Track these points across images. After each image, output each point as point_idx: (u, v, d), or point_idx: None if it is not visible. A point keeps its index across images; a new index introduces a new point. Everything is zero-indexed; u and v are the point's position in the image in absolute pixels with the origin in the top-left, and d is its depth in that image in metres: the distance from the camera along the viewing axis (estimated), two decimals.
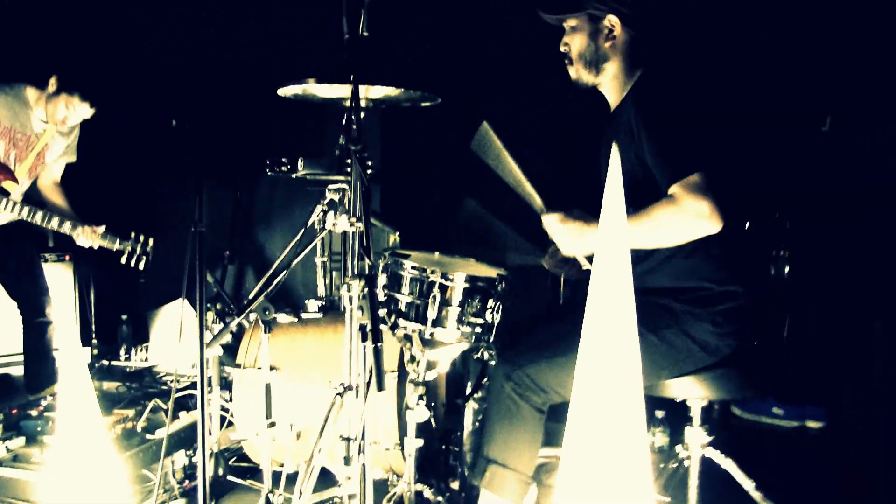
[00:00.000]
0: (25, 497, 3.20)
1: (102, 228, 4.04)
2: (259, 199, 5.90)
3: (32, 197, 4.31)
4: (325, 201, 3.32)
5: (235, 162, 5.72)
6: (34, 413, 3.82)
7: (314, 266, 4.49)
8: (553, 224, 2.71)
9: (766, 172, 4.17)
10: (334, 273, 4.36)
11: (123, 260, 4.05)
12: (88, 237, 4.03)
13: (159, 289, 6.05)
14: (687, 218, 2.51)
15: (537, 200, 2.79)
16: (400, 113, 3.48)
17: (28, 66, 4.31)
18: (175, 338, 5.57)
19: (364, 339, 2.27)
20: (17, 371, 4.81)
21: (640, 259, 2.79)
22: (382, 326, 2.81)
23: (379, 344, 2.20)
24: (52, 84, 4.03)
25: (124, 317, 5.80)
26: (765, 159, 4.41)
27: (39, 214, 4.03)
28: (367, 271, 2.33)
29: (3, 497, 3.23)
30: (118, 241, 4.06)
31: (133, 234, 4.07)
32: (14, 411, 3.81)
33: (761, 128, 4.47)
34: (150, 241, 4.05)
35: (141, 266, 4.05)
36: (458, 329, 2.83)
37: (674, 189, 2.54)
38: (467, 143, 2.81)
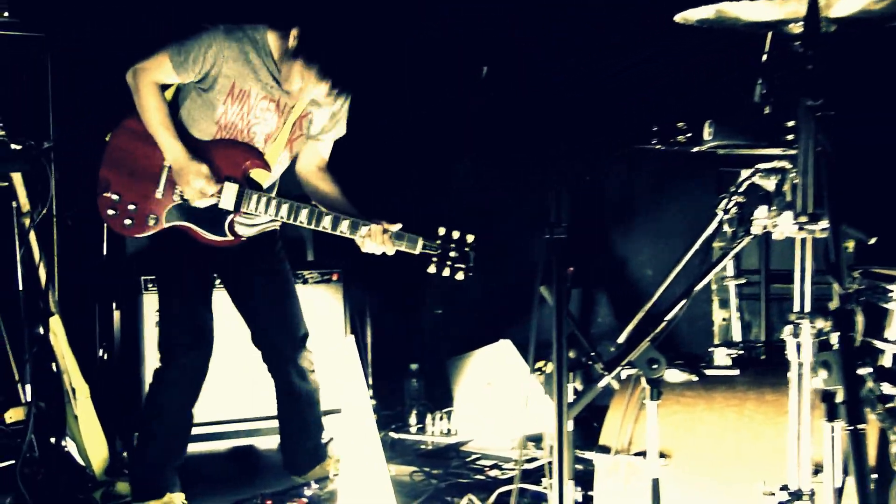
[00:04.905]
0: None
1: (398, 226, 4.17)
2: (613, 184, 5.93)
3: (290, 190, 4.55)
4: (741, 189, 3.30)
5: (581, 126, 5.80)
6: None
7: (707, 291, 4.47)
8: None
9: None
10: (744, 304, 4.30)
11: (432, 269, 4.14)
12: (377, 240, 4.15)
13: (467, 325, 6.25)
14: None
15: None
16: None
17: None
18: (492, 400, 5.69)
19: (832, 416, 2.24)
20: (267, 442, 5.19)
21: None
22: None
23: (859, 427, 2.18)
24: (293, 38, 4.15)
25: (414, 366, 6.02)
26: None
27: (304, 212, 4.21)
28: (836, 304, 2.29)
29: None
30: (420, 241, 4.17)
31: (443, 231, 4.15)
32: (268, 503, 4.07)
33: None
34: (470, 239, 4.10)
35: (459, 276, 4.14)
36: None
37: None
38: None
